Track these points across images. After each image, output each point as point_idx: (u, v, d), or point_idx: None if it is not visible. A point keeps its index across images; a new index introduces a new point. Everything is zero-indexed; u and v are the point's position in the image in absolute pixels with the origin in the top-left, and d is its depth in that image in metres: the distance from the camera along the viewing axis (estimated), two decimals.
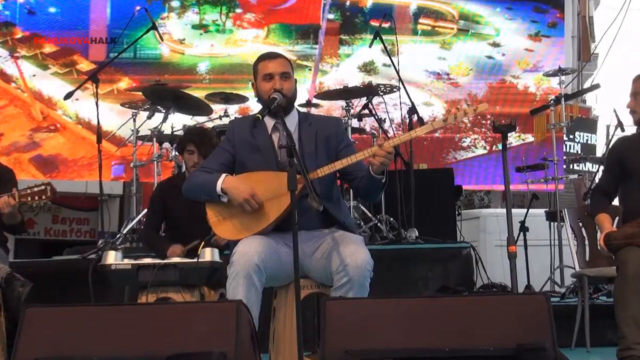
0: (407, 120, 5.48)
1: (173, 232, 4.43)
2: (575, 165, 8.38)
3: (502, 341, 2.47)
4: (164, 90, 5.92)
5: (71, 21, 7.88)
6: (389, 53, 5.72)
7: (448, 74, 8.23)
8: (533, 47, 8.30)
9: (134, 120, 6.03)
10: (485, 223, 7.26)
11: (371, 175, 3.14)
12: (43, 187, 3.86)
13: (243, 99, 6.33)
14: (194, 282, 3.60)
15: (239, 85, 7.37)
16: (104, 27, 7.82)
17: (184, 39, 8.02)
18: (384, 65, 7.81)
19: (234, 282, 3.03)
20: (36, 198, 3.85)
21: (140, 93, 6.14)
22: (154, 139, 5.85)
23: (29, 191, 3.85)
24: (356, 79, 7.70)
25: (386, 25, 6.01)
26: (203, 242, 3.67)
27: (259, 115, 3.14)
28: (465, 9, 8.34)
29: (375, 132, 6.18)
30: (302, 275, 3.04)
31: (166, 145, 6.11)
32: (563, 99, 6.03)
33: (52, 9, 7.87)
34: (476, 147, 8.14)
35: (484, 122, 8.09)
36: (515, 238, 3.85)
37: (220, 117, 6.13)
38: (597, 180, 5.23)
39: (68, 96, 5.56)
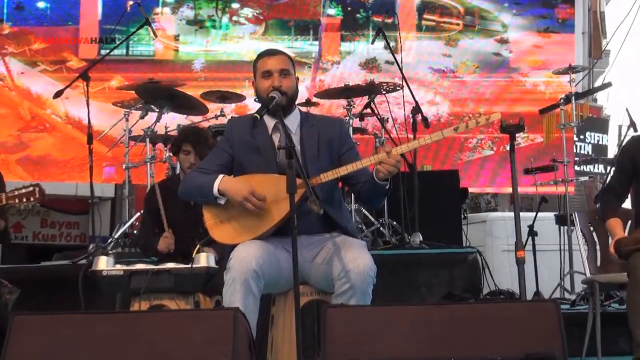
0: (411, 120, 5.49)
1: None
2: (586, 166, 8.38)
3: (510, 350, 2.47)
4: (158, 88, 5.91)
5: (61, 16, 7.89)
6: (391, 50, 5.71)
7: (454, 72, 8.24)
8: (542, 43, 8.31)
9: (127, 120, 6.04)
10: (492, 227, 7.26)
11: (375, 181, 3.14)
12: (31, 189, 3.85)
13: (240, 97, 6.34)
14: (189, 289, 3.59)
15: (235, 84, 7.38)
16: (95, 23, 7.83)
17: (179, 35, 8.04)
18: (387, 62, 7.82)
19: (230, 289, 3.03)
20: (24, 200, 3.84)
21: (133, 91, 6.14)
22: (147, 139, 5.85)
23: (16, 193, 3.84)
24: (358, 77, 7.72)
25: (389, 20, 6.02)
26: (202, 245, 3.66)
27: (257, 115, 3.13)
28: (471, 4, 8.35)
29: (377, 132, 6.17)
30: (301, 282, 3.04)
31: (160, 145, 6.11)
32: (573, 97, 6.03)
33: (41, 4, 7.88)
34: (483, 148, 8.15)
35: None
36: (524, 243, 3.85)
37: (216, 117, 6.14)
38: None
39: (58, 95, 5.55)
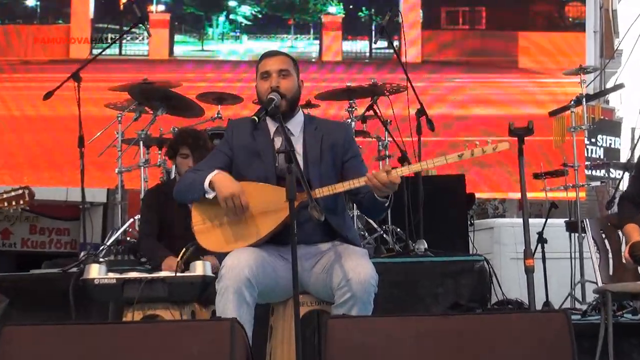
0: (417, 123, 5.49)
1: (162, 244, 4.41)
2: (597, 171, 8.38)
3: None
4: (152, 89, 5.92)
5: (51, 14, 7.90)
6: (395, 49, 5.72)
7: None
8: (551, 42, 8.31)
9: (119, 123, 6.04)
10: (500, 234, 7.26)
11: (374, 196, 3.14)
12: (20, 192, 3.84)
13: (237, 99, 6.35)
14: (184, 299, 3.60)
15: (232, 84, 7.39)
16: (87, 22, 7.84)
17: (174, 34, 8.04)
18: (391, 62, 7.82)
19: (223, 298, 3.03)
20: (13, 203, 3.83)
21: (126, 93, 6.15)
22: (141, 142, 5.86)
23: (5, 196, 3.83)
24: (360, 78, 7.71)
25: (393, 19, 6.01)
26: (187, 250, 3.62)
27: (255, 118, 3.14)
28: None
29: (380, 136, 6.17)
30: (300, 291, 3.04)
31: (154, 149, 6.11)
32: (584, 99, 6.04)
33: (29, 1, 7.89)
34: None
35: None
36: (533, 250, 3.85)
37: (212, 119, 6.14)
38: (621, 187, 5.24)
39: (48, 96, 5.56)
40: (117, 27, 7.70)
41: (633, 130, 10.25)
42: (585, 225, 4.71)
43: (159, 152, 5.98)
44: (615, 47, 12.19)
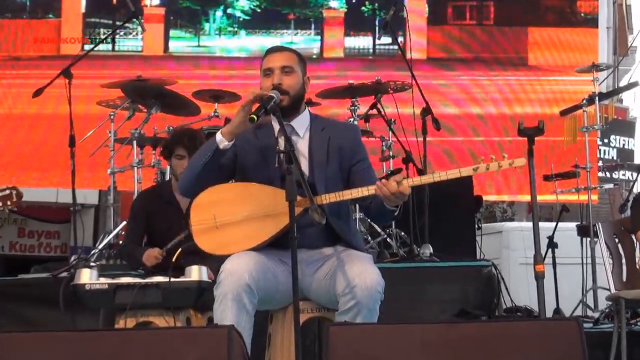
0: (422, 122, 5.49)
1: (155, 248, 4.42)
2: (610, 173, 8.38)
3: None
4: (146, 86, 5.93)
5: (41, 8, 7.90)
6: (399, 46, 5.72)
7: None
8: (563, 38, 8.31)
9: (112, 121, 6.04)
10: (508, 238, 7.26)
11: (383, 204, 3.15)
12: (8, 192, 3.86)
13: (235, 96, 6.35)
14: (179, 305, 3.60)
15: (230, 81, 7.39)
16: (78, 16, 7.84)
17: (169, 29, 8.04)
18: (395, 59, 7.83)
19: (222, 305, 3.03)
20: (0, 204, 3.84)
21: (119, 90, 6.15)
22: (134, 142, 5.86)
23: None
24: (363, 75, 7.72)
25: (397, 14, 6.02)
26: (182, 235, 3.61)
27: (254, 116, 3.13)
28: None
29: (384, 137, 6.17)
30: (301, 297, 3.04)
31: (148, 148, 6.11)
32: (597, 98, 6.04)
33: None
34: None
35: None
36: (543, 255, 3.85)
37: (209, 118, 6.15)
38: (635, 190, 5.23)
39: (37, 93, 5.57)
40: (110, 21, 7.69)
41: None
42: (597, 229, 4.71)
43: (153, 152, 5.98)
44: (629, 44, 12.20)
